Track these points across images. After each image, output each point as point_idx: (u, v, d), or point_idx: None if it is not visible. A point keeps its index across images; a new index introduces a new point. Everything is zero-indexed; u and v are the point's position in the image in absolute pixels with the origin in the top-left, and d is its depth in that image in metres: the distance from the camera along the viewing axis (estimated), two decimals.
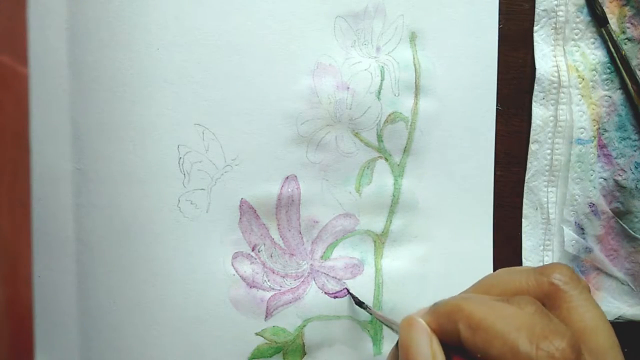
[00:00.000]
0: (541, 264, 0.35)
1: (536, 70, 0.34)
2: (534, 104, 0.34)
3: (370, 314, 0.31)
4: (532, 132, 0.34)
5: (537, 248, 0.35)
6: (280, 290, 0.32)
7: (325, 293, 0.32)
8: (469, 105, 0.33)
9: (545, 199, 0.35)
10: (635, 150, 0.35)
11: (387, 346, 0.33)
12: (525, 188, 0.35)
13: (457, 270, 0.34)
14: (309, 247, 0.32)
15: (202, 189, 0.31)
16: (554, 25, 0.34)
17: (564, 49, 0.34)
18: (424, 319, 0.24)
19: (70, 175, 0.30)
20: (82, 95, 0.30)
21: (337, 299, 0.32)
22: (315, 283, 0.32)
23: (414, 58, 0.33)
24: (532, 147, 0.34)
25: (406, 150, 0.33)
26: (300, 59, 0.31)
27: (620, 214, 0.35)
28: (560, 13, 0.34)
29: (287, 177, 0.31)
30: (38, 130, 0.30)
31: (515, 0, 0.34)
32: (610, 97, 0.34)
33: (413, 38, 0.33)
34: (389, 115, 0.32)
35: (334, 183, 0.32)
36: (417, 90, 0.33)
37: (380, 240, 0.33)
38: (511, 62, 0.34)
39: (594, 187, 0.35)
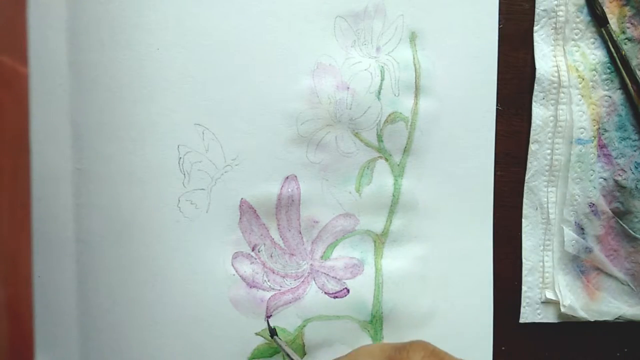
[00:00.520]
0: (541, 264, 0.35)
1: (536, 70, 0.34)
2: (534, 104, 0.34)
3: (279, 345, 0.31)
4: (532, 132, 0.34)
5: (537, 248, 0.35)
6: (280, 290, 0.32)
7: (325, 293, 0.32)
8: (469, 105, 0.33)
9: (545, 199, 0.35)
10: (635, 150, 0.35)
11: None
12: (525, 188, 0.35)
13: (457, 270, 0.34)
14: (309, 247, 0.32)
15: (202, 189, 0.31)
16: (554, 25, 0.34)
17: (564, 49, 0.34)
18: None
19: (70, 175, 0.30)
20: (82, 95, 0.30)
21: (337, 299, 0.32)
22: (315, 283, 0.32)
23: (414, 58, 0.33)
24: (532, 147, 0.34)
25: (406, 150, 0.33)
26: (300, 59, 0.31)
27: (620, 214, 0.35)
28: (560, 13, 0.34)
29: (287, 177, 0.31)
30: (38, 130, 0.30)
31: (515, 0, 0.34)
32: (610, 97, 0.34)
33: (413, 38, 0.33)
34: (389, 115, 0.32)
35: (334, 183, 0.32)
36: (417, 90, 0.33)
37: (380, 240, 0.33)
38: (511, 62, 0.34)
39: (594, 187, 0.35)
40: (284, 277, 0.32)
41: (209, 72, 0.30)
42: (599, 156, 0.35)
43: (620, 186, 0.35)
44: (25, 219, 0.30)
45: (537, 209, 0.35)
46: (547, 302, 0.35)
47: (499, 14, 0.33)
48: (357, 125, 0.32)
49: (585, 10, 0.34)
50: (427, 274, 0.33)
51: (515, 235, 0.35)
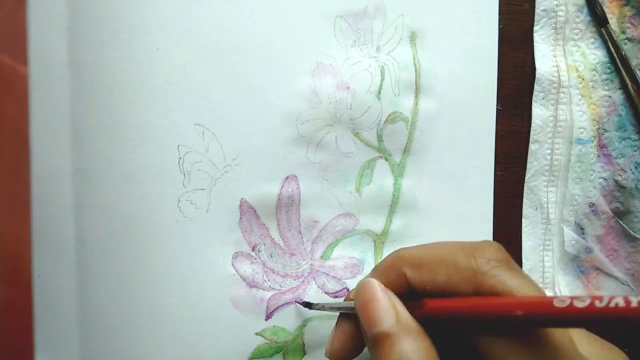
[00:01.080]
0: (541, 264, 0.35)
1: (536, 70, 0.34)
2: (534, 104, 0.34)
3: (323, 309, 0.30)
4: (532, 132, 0.34)
5: (537, 248, 0.35)
6: (280, 290, 0.32)
7: (325, 293, 0.32)
8: (469, 105, 0.33)
9: (545, 199, 0.35)
10: (635, 150, 0.35)
11: None
12: (525, 188, 0.35)
13: None
14: (309, 247, 0.32)
15: (202, 189, 0.31)
16: (554, 25, 0.34)
17: (564, 49, 0.34)
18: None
19: (70, 175, 0.30)
20: (82, 95, 0.30)
21: (337, 299, 0.32)
22: (315, 283, 0.32)
23: (414, 58, 0.33)
24: (532, 147, 0.34)
25: (406, 150, 0.33)
26: (300, 59, 0.31)
27: (620, 214, 0.35)
28: (560, 13, 0.34)
29: (287, 177, 0.31)
30: (38, 130, 0.30)
31: (515, 0, 0.34)
32: (610, 97, 0.34)
33: (413, 38, 0.33)
34: (389, 115, 0.32)
35: (334, 183, 0.32)
36: (417, 90, 0.33)
37: (380, 240, 0.33)
38: (511, 62, 0.34)
39: (594, 187, 0.35)
40: (284, 277, 0.32)
41: (209, 72, 0.30)
42: (599, 156, 0.35)
43: (620, 186, 0.35)
44: (25, 219, 0.30)
45: (537, 209, 0.35)
46: None
47: (499, 14, 0.33)
48: (357, 125, 0.32)
49: (585, 10, 0.34)
50: None
51: (515, 235, 0.35)
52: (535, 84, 0.34)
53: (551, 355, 0.21)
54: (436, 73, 0.33)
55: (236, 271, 0.31)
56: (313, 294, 0.32)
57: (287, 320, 0.32)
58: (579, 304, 0.20)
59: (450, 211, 0.33)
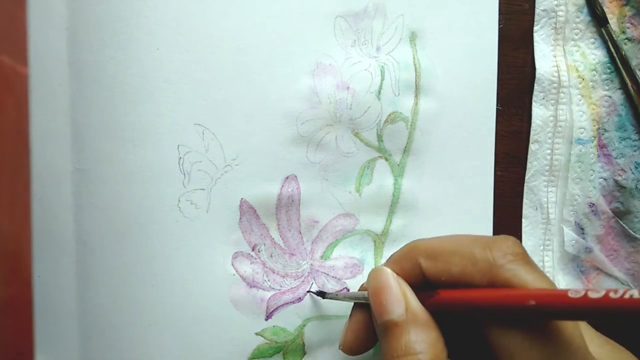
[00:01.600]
0: (541, 264, 0.35)
1: (536, 70, 0.34)
2: (534, 104, 0.34)
3: (337, 299, 0.31)
4: (532, 132, 0.34)
5: (537, 248, 0.35)
6: (280, 290, 0.32)
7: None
8: (469, 105, 0.33)
9: (545, 199, 0.35)
10: (635, 150, 0.35)
11: None
12: (525, 188, 0.35)
13: None
14: (309, 247, 0.32)
15: (202, 189, 0.31)
16: (554, 25, 0.34)
17: (564, 49, 0.34)
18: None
19: (70, 175, 0.30)
20: (82, 95, 0.30)
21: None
22: (315, 283, 0.32)
23: (414, 58, 0.33)
24: (532, 147, 0.34)
25: (406, 150, 0.33)
26: (300, 58, 0.31)
27: (620, 214, 0.35)
28: (560, 13, 0.34)
29: (287, 177, 0.31)
30: (38, 130, 0.30)
31: (515, 0, 0.34)
32: (610, 97, 0.34)
33: (413, 38, 0.33)
34: (389, 115, 0.32)
35: (334, 183, 0.32)
36: (417, 90, 0.33)
37: (380, 240, 0.33)
38: (511, 62, 0.34)
39: (594, 187, 0.35)
40: (284, 277, 0.32)
41: (209, 72, 0.30)
42: (599, 156, 0.35)
43: (620, 186, 0.35)
44: (25, 219, 0.30)
45: (537, 209, 0.35)
46: None
47: (499, 14, 0.33)
48: (357, 125, 0.32)
49: (585, 10, 0.34)
50: None
51: (515, 235, 0.34)
52: (535, 84, 0.34)
53: (562, 350, 0.21)
54: (436, 73, 0.33)
55: (236, 271, 0.31)
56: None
57: (287, 320, 0.32)
58: (594, 295, 0.20)
59: (450, 211, 0.33)
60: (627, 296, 0.19)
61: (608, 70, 0.34)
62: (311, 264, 0.32)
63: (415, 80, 0.33)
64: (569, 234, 0.34)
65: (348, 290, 0.32)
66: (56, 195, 0.30)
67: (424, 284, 0.25)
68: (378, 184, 0.33)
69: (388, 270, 0.25)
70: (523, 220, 0.35)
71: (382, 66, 0.32)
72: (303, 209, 0.32)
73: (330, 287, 0.32)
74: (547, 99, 0.34)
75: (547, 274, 0.35)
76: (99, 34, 0.30)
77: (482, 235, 0.24)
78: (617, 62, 0.34)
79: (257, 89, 0.31)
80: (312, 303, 0.32)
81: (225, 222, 0.31)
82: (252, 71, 0.31)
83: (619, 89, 0.34)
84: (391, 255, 0.27)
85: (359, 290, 0.30)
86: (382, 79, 0.32)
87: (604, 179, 0.35)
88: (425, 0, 0.32)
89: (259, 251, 0.31)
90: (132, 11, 0.29)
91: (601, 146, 0.35)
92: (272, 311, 0.31)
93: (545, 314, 0.21)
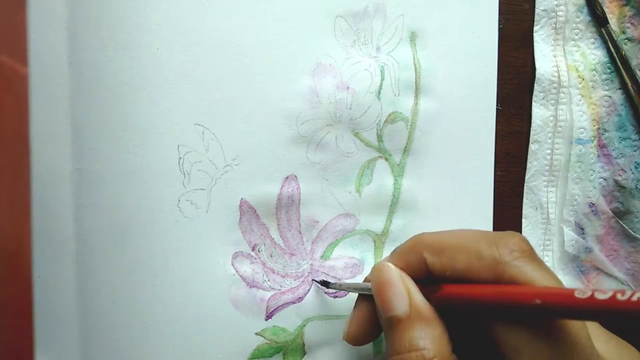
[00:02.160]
0: None
1: (536, 70, 0.34)
2: (534, 104, 0.34)
3: (340, 289, 0.31)
4: (532, 132, 0.34)
5: (537, 248, 0.35)
6: (280, 290, 0.32)
7: (325, 293, 0.32)
8: (469, 105, 0.33)
9: (545, 199, 0.35)
10: (635, 150, 0.35)
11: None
12: (525, 188, 0.35)
13: None
14: (309, 247, 0.32)
15: (202, 189, 0.31)
16: (554, 25, 0.34)
17: (564, 49, 0.34)
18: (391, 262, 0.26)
19: (70, 175, 0.30)
20: (82, 95, 0.30)
21: (337, 299, 0.32)
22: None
23: (414, 58, 0.33)
24: (532, 147, 0.34)
25: (406, 150, 0.33)
26: (300, 59, 0.31)
27: (620, 214, 0.35)
28: (560, 13, 0.34)
29: (287, 177, 0.31)
30: (38, 130, 0.30)
31: (515, 0, 0.34)
32: (610, 97, 0.34)
33: (413, 38, 0.33)
34: (389, 115, 0.32)
35: (334, 183, 0.32)
36: (417, 90, 0.33)
37: (380, 240, 0.33)
38: (511, 62, 0.34)
39: (594, 187, 0.35)
40: (284, 277, 0.32)
41: (209, 72, 0.30)
42: (599, 156, 0.35)
43: (620, 186, 0.35)
44: (25, 219, 0.30)
45: (537, 209, 0.35)
46: None
47: (499, 14, 0.33)
48: (357, 125, 0.32)
49: (585, 10, 0.34)
50: None
51: None
52: (535, 84, 0.34)
53: (568, 349, 0.21)
54: (436, 73, 0.33)
55: (236, 271, 0.31)
56: (313, 294, 0.32)
57: (287, 320, 0.31)
58: (601, 296, 0.19)
59: (450, 211, 0.33)
60: (634, 298, 0.19)
61: (608, 70, 0.34)
62: (311, 264, 0.32)
63: (415, 80, 0.33)
64: (569, 234, 0.34)
65: (314, 280, 0.32)
66: (56, 195, 0.30)
67: (428, 279, 0.24)
68: (378, 184, 0.33)
69: (391, 266, 0.25)
70: (523, 220, 0.35)
71: (382, 66, 0.32)
72: (303, 209, 0.32)
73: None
74: (547, 99, 0.34)
75: None
76: (99, 34, 0.30)
77: (489, 231, 0.24)
78: (617, 62, 0.34)
79: (257, 89, 0.31)
80: (312, 303, 0.32)
81: (225, 222, 0.31)
82: (252, 71, 0.31)
83: (619, 89, 0.34)
84: (395, 249, 0.26)
85: (363, 281, 0.30)
86: (382, 79, 0.32)
87: (604, 179, 0.35)
88: (425, 0, 0.32)
89: (259, 251, 0.31)
90: (132, 11, 0.29)
91: (601, 146, 0.35)
92: (272, 311, 0.31)
93: (550, 313, 0.21)
